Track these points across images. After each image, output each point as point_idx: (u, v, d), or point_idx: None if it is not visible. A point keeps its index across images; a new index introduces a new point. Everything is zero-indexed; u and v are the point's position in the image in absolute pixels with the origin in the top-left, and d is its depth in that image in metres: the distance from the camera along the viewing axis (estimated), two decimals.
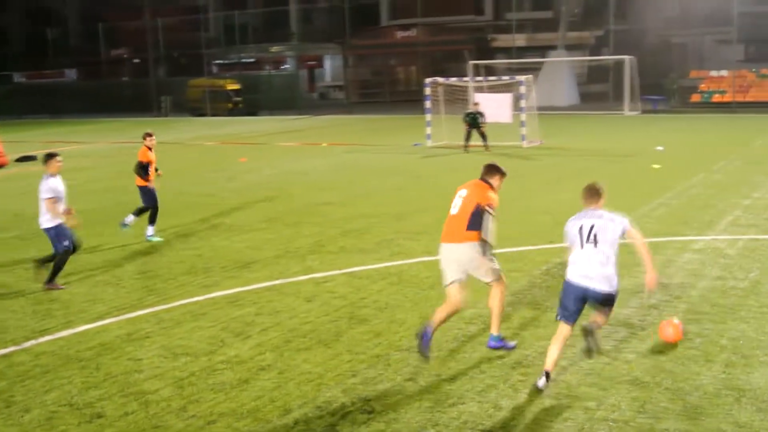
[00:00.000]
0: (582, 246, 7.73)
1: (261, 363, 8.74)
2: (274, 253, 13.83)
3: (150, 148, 15.18)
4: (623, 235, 7.68)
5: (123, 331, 10.02)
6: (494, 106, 29.71)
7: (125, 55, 75.78)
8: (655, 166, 21.88)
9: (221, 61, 73.67)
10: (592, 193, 7.88)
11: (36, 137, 43.75)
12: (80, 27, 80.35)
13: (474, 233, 8.40)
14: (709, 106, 46.14)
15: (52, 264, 12.14)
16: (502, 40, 63.98)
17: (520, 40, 59.54)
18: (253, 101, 59.79)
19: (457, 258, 8.51)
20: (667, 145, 25.15)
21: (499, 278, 8.65)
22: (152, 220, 15.23)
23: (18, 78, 77.63)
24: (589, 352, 7.97)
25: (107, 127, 51.21)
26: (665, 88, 50.09)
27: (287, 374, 8.40)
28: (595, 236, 7.65)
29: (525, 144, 29.28)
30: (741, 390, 7.59)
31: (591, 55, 62.30)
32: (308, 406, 7.64)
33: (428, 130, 31.15)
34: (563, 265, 12.10)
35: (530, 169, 23.21)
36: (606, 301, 7.78)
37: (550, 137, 31.27)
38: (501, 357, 8.60)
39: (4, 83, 72.95)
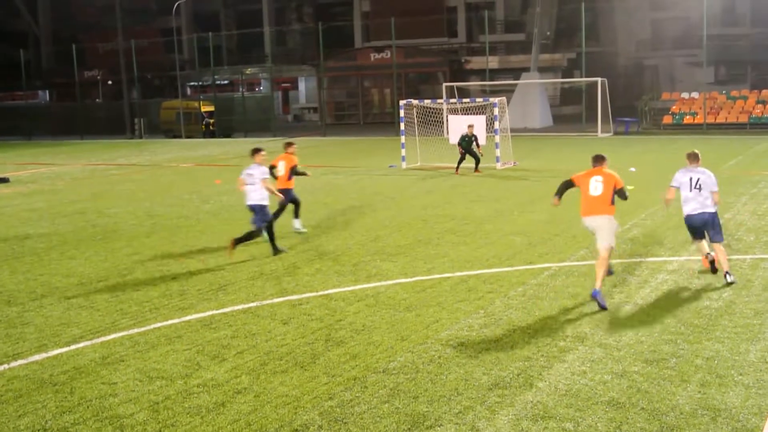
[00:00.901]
0: (690, 190, 12.15)
1: (237, 386, 8.69)
2: (250, 276, 13.78)
3: (293, 154, 17.46)
4: (714, 188, 12.14)
5: (97, 354, 9.93)
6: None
7: (99, 77, 75.47)
8: (629, 187, 22.02)
9: (195, 83, 73.62)
10: (694, 156, 12.44)
11: (9, 159, 43.38)
12: (53, 49, 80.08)
13: (614, 208, 11.60)
14: (680, 128, 46.61)
15: (246, 240, 15.02)
16: (476, 62, 64.59)
17: (493, 62, 60.06)
18: (227, 123, 59.68)
19: (600, 225, 11.42)
20: (640, 166, 25.34)
21: (611, 245, 11.44)
22: (297, 215, 17.48)
23: None
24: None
25: (81, 149, 50.88)
26: (637, 110, 50.55)
27: (264, 397, 8.36)
28: (700, 185, 12.12)
29: (499, 166, 29.40)
30: (717, 410, 7.64)
31: (563, 77, 62.97)
32: (285, 429, 7.60)
33: (403, 152, 31.22)
34: (539, 286, 12.21)
35: (504, 191, 23.32)
36: (713, 219, 12.14)
37: (524, 159, 31.47)
38: (478, 379, 8.61)
39: None
